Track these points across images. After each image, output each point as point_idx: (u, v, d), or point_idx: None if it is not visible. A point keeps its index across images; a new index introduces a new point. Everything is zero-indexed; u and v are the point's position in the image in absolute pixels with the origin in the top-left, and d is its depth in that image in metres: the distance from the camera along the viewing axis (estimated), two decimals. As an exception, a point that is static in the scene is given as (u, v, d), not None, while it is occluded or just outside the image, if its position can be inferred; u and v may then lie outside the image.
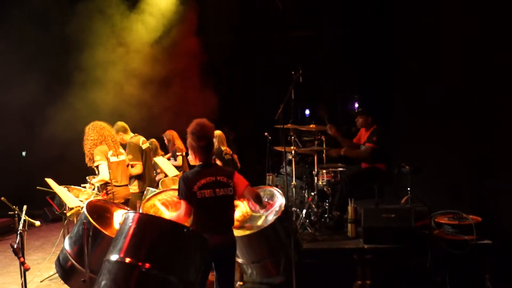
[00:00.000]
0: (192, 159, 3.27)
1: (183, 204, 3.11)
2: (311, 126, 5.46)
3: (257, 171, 7.35)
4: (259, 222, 4.01)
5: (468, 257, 4.18)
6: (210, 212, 3.09)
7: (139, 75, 7.53)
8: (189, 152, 3.27)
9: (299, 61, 5.31)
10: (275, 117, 4.52)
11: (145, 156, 6.10)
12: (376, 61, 8.18)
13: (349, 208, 4.87)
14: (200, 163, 3.21)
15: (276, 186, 5.20)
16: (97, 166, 4.87)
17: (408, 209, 4.68)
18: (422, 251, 4.34)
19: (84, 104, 7.26)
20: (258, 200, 3.30)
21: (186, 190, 3.08)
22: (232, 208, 3.26)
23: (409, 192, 5.12)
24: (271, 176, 6.35)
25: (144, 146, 6.12)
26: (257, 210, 4.02)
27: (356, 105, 9.81)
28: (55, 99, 7.50)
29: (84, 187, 5.45)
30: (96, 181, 4.96)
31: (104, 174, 4.82)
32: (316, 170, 5.42)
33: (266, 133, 6.46)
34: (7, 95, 7.91)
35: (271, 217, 3.94)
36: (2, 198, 4.09)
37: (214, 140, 6.41)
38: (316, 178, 5.40)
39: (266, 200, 4.18)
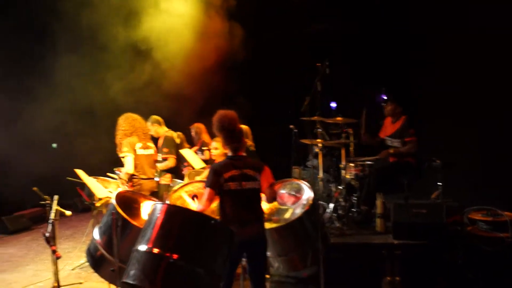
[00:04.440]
0: (218, 151, 3.28)
1: (206, 191, 3.14)
2: (338, 118, 5.36)
3: (281, 164, 7.27)
4: (287, 215, 3.97)
5: (503, 255, 4.06)
6: (236, 205, 3.12)
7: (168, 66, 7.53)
8: (216, 144, 3.30)
9: (323, 53, 5.21)
10: (301, 109, 4.46)
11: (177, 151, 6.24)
12: (403, 53, 7.96)
13: (378, 203, 4.78)
14: (229, 154, 3.23)
15: (303, 180, 5.14)
16: (123, 157, 4.93)
17: (440, 204, 4.58)
18: (453, 247, 4.23)
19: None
20: (269, 201, 3.35)
21: (213, 179, 3.12)
22: (259, 202, 3.26)
23: (439, 187, 4.98)
24: (297, 169, 6.29)
25: (178, 141, 6.24)
26: (285, 202, 4.00)
27: (384, 97, 9.59)
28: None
29: (110, 177, 5.52)
30: (122, 175, 5.02)
31: (128, 166, 4.85)
32: (343, 163, 5.33)
33: (291, 126, 6.38)
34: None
35: (299, 211, 3.90)
36: (35, 188, 4.20)
37: None
38: (343, 171, 5.32)
39: (293, 193, 4.14)
